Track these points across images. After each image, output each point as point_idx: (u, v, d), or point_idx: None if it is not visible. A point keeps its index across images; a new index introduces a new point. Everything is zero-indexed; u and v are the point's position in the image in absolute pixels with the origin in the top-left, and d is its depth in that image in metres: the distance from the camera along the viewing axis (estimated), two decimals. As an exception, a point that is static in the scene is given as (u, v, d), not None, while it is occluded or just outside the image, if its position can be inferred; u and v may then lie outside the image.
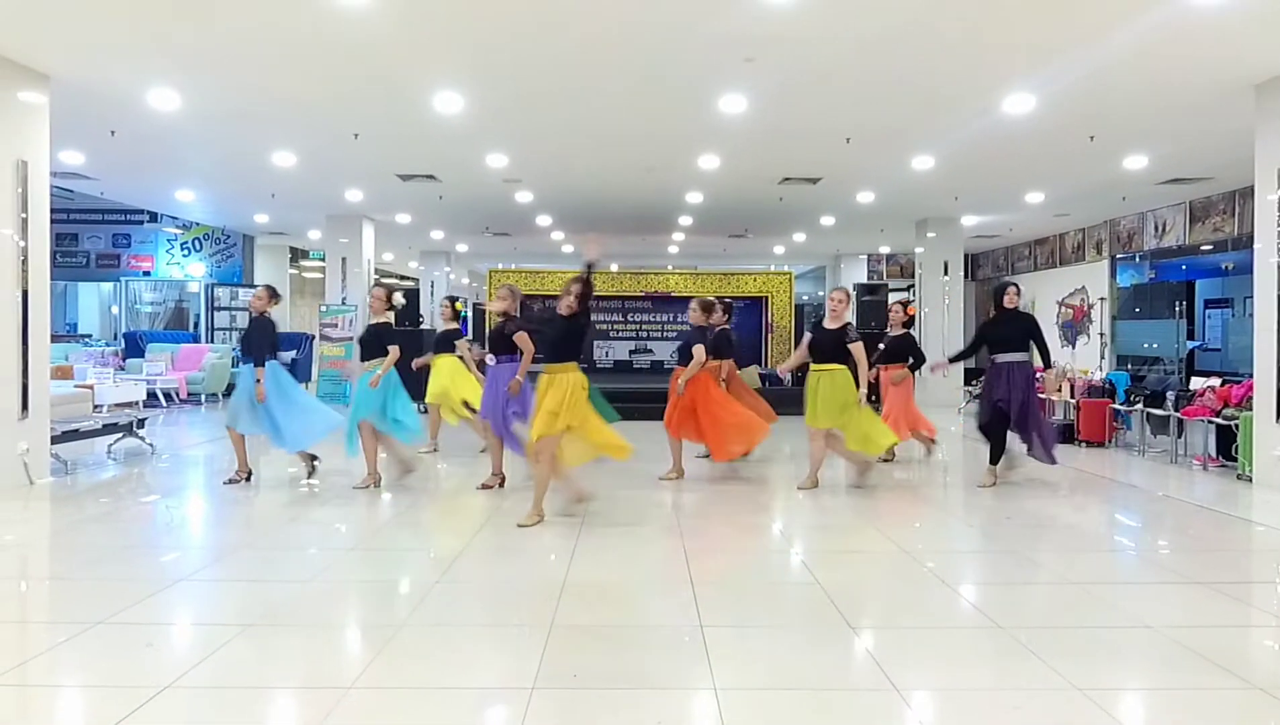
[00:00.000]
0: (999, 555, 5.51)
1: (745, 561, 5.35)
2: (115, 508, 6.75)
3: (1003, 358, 7.50)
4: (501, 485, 7.27)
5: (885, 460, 8.75)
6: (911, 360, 8.95)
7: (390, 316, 7.63)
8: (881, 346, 9.03)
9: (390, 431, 7.34)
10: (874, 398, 7.90)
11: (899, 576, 5.01)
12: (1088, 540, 6.06)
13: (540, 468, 6.00)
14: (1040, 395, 8.01)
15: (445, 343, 9.18)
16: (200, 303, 18.92)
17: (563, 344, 6.07)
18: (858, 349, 7.18)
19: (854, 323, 7.59)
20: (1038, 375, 8.16)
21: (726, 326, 8.55)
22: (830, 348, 7.25)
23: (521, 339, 6.90)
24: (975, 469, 8.55)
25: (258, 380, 7.14)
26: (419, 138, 9.85)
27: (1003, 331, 7.59)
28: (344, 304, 15.40)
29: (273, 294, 7.64)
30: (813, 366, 7.35)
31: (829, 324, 7.32)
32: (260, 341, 7.26)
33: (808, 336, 7.50)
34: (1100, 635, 3.97)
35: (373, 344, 7.36)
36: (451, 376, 9.00)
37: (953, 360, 8.61)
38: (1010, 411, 7.39)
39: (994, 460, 7.60)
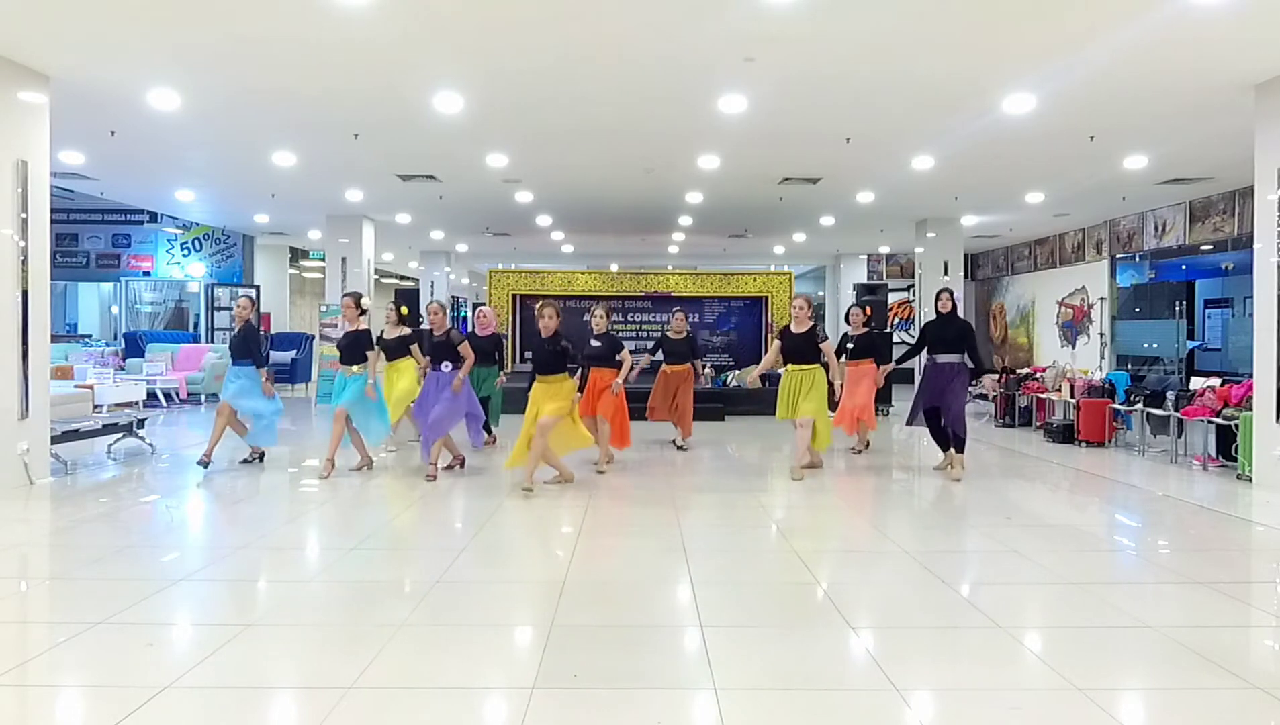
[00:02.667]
0: (999, 555, 5.51)
1: (745, 561, 5.35)
2: (115, 508, 6.74)
3: (941, 358, 8.26)
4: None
5: (858, 451, 9.66)
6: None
7: (363, 322, 8.29)
8: (850, 346, 9.65)
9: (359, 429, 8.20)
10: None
11: (899, 576, 5.01)
12: (1088, 540, 6.06)
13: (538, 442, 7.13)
14: (971, 391, 9.15)
15: (401, 349, 8.90)
16: (200, 303, 18.93)
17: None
18: (828, 347, 8.14)
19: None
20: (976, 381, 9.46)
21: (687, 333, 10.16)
22: (803, 349, 8.05)
23: (465, 348, 7.85)
24: (972, 471, 8.56)
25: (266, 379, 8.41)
26: (419, 138, 9.85)
27: (940, 333, 8.33)
28: (344, 304, 15.39)
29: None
30: (790, 367, 8.09)
31: (795, 328, 8.12)
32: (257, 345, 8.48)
33: (777, 342, 8.28)
34: (1100, 635, 3.98)
35: (353, 350, 8.12)
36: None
37: (899, 361, 9.23)
38: (939, 406, 8.23)
39: (946, 448, 8.30)
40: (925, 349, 8.47)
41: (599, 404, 8.40)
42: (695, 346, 10.27)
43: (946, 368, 8.22)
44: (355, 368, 8.05)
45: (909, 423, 8.77)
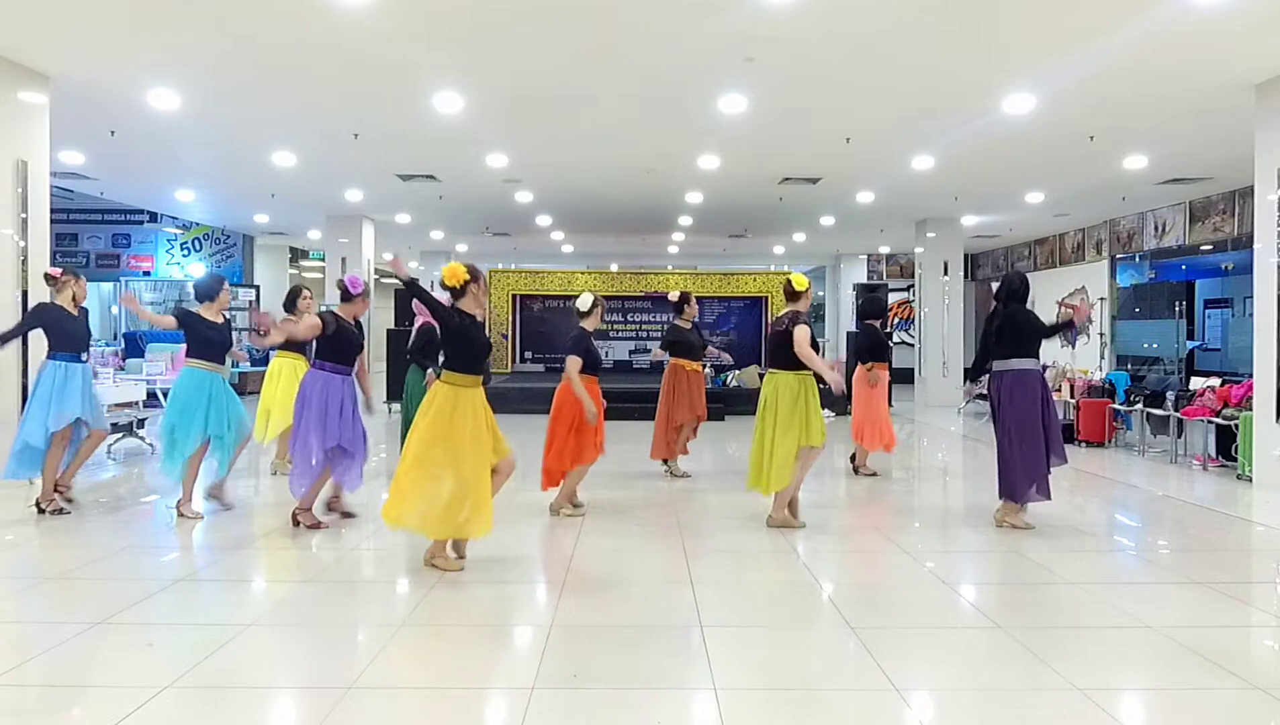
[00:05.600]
0: (999, 555, 5.51)
1: (745, 561, 5.35)
2: (115, 508, 6.74)
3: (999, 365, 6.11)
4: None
5: (870, 473, 8.18)
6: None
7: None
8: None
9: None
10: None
11: (899, 576, 5.01)
12: (1088, 540, 6.05)
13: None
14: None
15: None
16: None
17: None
18: (799, 333, 5.74)
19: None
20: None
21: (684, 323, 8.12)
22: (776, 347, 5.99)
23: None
24: (973, 471, 8.55)
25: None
26: (419, 138, 9.85)
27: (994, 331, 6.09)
28: (344, 304, 15.41)
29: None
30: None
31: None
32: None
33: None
34: (1100, 635, 3.98)
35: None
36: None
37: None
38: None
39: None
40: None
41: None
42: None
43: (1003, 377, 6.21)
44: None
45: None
